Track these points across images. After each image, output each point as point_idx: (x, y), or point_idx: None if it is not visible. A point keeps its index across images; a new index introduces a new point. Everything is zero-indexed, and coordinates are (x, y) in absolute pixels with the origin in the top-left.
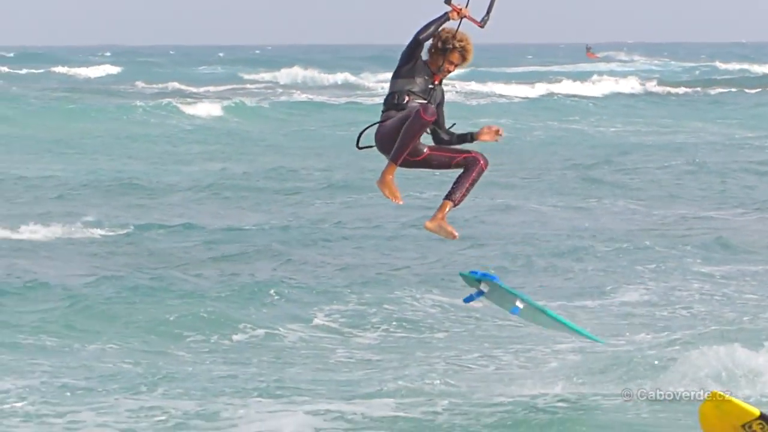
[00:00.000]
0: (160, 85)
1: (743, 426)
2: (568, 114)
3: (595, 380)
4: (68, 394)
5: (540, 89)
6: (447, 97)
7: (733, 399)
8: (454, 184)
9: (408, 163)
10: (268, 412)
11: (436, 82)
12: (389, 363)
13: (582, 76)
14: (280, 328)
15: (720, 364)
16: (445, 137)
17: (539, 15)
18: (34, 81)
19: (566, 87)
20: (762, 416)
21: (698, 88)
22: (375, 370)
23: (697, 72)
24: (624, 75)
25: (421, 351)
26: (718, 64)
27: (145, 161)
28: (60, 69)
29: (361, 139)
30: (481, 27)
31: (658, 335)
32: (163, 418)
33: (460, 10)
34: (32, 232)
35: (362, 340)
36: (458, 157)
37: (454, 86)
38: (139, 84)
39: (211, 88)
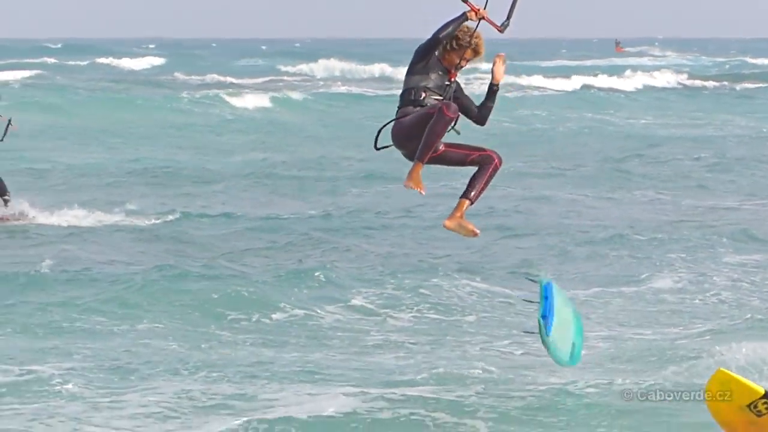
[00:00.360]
0: (203, 77)
1: (749, 406)
2: (602, 107)
3: (625, 369)
4: (113, 376)
5: (575, 82)
6: (483, 89)
7: (739, 377)
8: (470, 182)
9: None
10: (307, 394)
11: (453, 80)
12: (423, 347)
13: (615, 71)
14: (319, 310)
15: (749, 357)
16: (477, 110)
17: (571, 11)
18: (80, 72)
19: (600, 80)
20: (767, 394)
21: (727, 83)
22: (409, 353)
23: (727, 66)
24: (656, 69)
25: (453, 335)
26: (748, 59)
27: (189, 150)
28: (105, 60)
29: (378, 138)
30: (501, 32)
31: (689, 325)
32: (203, 399)
33: (478, 10)
34: (79, 218)
35: (398, 323)
36: (473, 155)
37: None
38: (182, 75)
39: (252, 80)
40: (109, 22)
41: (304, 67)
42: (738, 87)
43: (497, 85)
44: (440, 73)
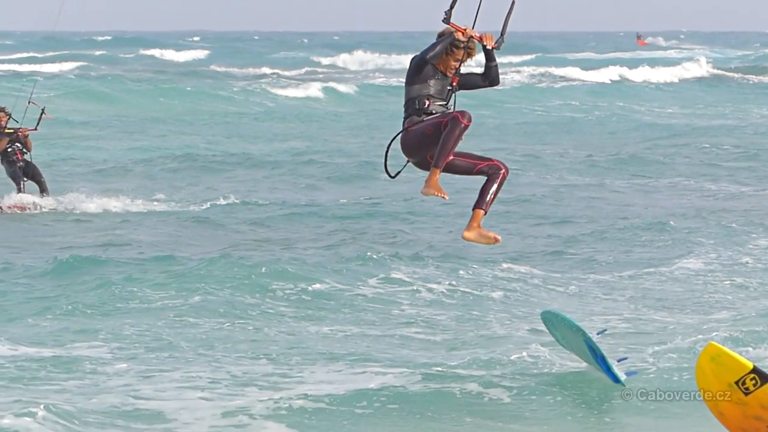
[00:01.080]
0: (246, 69)
1: (736, 383)
2: (631, 97)
3: (656, 352)
4: (161, 352)
5: (606, 74)
6: (516, 78)
7: (730, 351)
8: (481, 192)
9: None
10: (342, 369)
11: (455, 84)
12: (457, 324)
13: (642, 63)
14: (359, 287)
15: None
16: (484, 77)
17: (596, 3)
18: (126, 63)
19: (627, 72)
20: (754, 370)
21: (753, 75)
22: (443, 330)
23: (752, 58)
24: (683, 61)
25: (480, 312)
26: None
27: (235, 138)
28: (151, 52)
29: (387, 161)
30: (497, 49)
31: (721, 310)
32: (238, 374)
33: (465, 30)
34: (128, 204)
35: (433, 300)
36: (481, 165)
37: (524, 71)
38: (226, 67)
39: (292, 72)
40: (156, 15)
41: (344, 58)
42: (765, 79)
43: (491, 48)
44: (438, 77)
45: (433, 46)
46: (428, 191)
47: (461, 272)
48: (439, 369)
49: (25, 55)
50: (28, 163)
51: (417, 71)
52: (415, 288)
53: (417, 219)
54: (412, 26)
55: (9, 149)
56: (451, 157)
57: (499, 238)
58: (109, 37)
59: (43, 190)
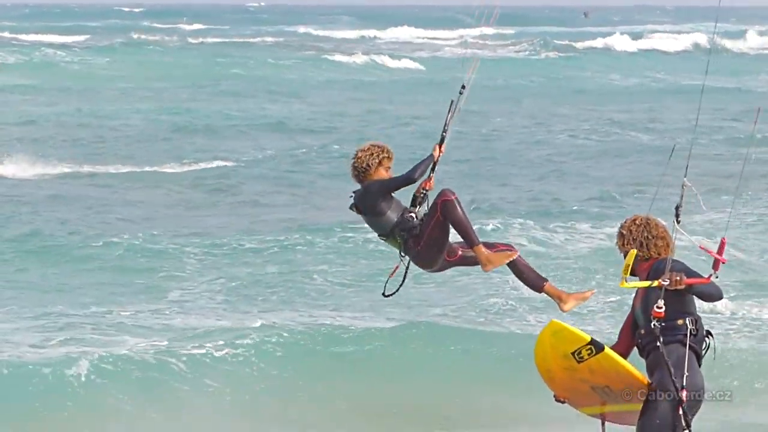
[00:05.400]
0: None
1: (573, 353)
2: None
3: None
4: (200, 309)
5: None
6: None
7: (570, 327)
8: (524, 280)
9: (447, 264)
10: (366, 308)
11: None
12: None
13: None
14: None
15: None
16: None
17: None
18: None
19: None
20: (592, 342)
21: None
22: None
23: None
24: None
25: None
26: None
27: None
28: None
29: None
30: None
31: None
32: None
33: (428, 182)
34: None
35: None
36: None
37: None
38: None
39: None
40: None
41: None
42: None
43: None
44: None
45: (415, 169)
46: (490, 267)
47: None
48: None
49: None
50: None
51: (385, 197)
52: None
53: (483, 181)
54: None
55: None
56: (462, 252)
57: (593, 290)
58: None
59: None
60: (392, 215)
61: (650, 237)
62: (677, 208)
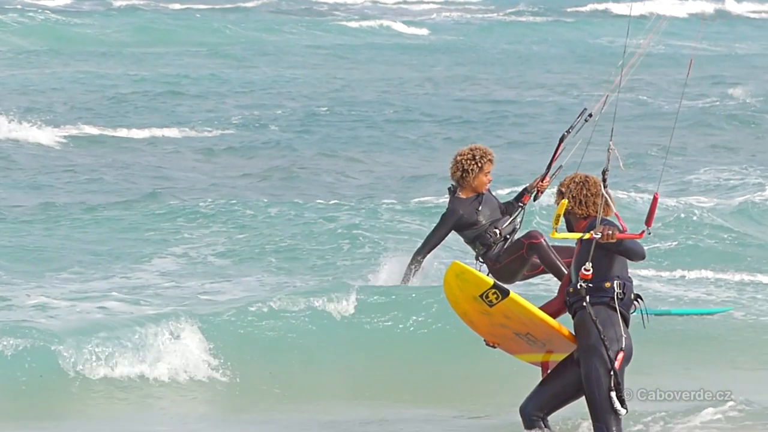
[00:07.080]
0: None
1: (481, 296)
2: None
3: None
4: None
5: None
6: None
7: (472, 269)
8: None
9: (528, 276)
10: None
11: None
12: None
13: None
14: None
15: None
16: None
17: None
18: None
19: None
20: (494, 285)
21: None
22: None
23: None
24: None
25: None
26: None
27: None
28: None
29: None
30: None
31: None
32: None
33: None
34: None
35: None
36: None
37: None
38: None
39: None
40: None
41: None
42: None
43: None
44: (480, 204)
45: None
46: None
47: None
48: None
49: None
50: None
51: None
52: None
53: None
54: None
55: None
56: (541, 267)
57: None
58: None
59: None
60: (479, 228)
61: (589, 195)
62: (604, 172)
